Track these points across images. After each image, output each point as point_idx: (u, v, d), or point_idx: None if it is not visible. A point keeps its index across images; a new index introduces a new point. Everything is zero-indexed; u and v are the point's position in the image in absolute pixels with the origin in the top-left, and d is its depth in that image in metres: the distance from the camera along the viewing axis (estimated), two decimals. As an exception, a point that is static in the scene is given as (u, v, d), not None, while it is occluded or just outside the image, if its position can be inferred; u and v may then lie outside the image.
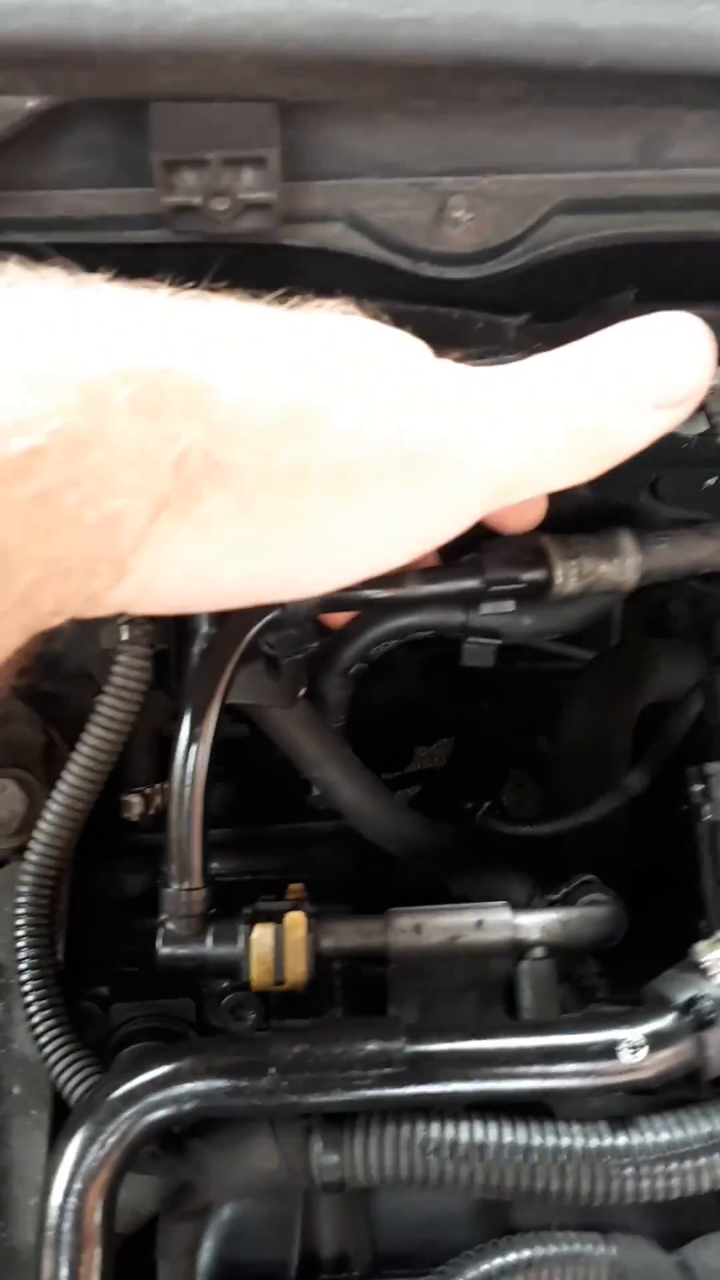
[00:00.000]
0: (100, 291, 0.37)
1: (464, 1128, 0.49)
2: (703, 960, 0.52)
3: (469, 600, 0.65)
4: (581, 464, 0.45)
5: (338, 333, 0.42)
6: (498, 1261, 0.49)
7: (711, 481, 1.27)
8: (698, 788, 0.63)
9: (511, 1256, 0.49)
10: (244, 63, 0.41)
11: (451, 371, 0.44)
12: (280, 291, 0.43)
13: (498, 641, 0.68)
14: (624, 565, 0.64)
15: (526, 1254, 0.49)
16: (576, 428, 0.44)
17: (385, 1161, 0.49)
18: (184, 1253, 0.56)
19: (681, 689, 0.78)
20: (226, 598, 0.41)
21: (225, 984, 0.64)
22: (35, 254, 0.43)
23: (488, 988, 0.59)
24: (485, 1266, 0.49)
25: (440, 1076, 0.49)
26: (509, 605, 0.66)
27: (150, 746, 0.73)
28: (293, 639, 0.58)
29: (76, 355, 0.33)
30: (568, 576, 0.63)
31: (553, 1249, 0.49)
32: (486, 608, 0.66)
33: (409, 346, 0.43)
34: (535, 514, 0.61)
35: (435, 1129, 0.49)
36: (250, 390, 0.37)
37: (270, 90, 0.44)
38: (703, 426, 1.07)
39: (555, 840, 0.72)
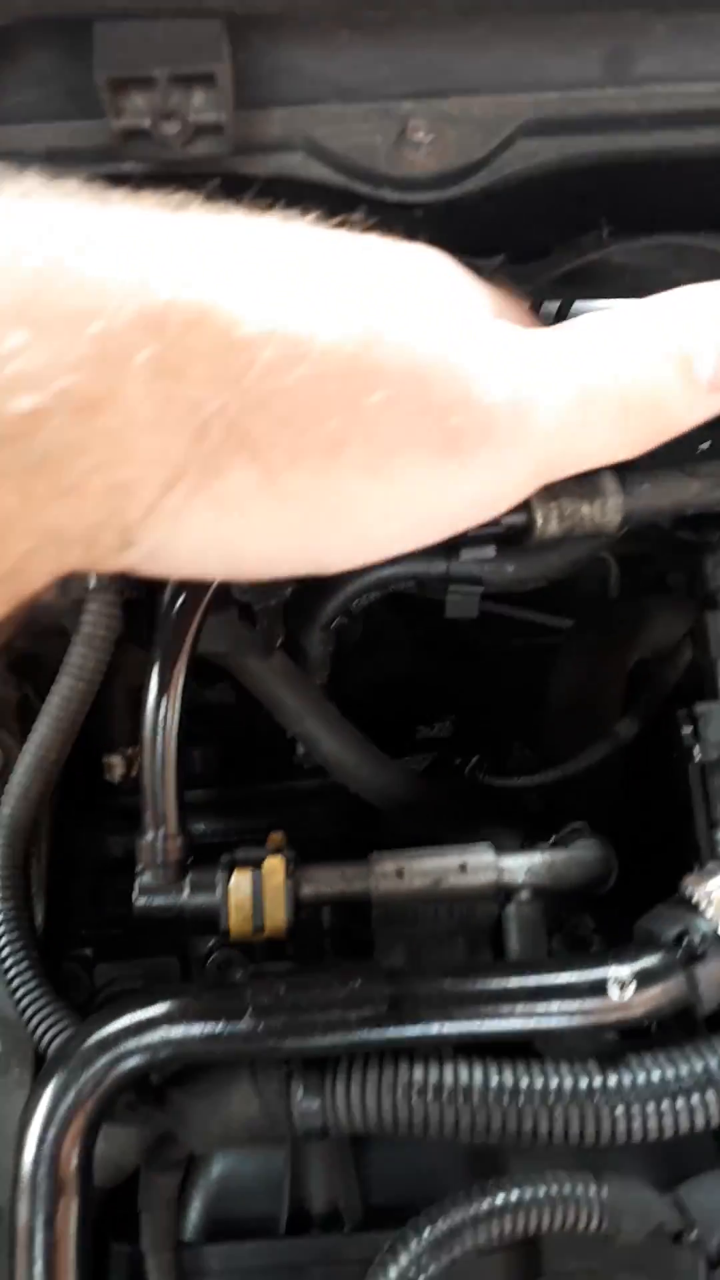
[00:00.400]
0: (121, 212, 0.32)
1: (449, 1069, 0.48)
2: (692, 895, 0.51)
3: (449, 548, 0.64)
4: (631, 441, 0.42)
5: (388, 265, 0.38)
6: (486, 1204, 0.48)
7: (705, 446, 1.26)
8: (687, 729, 0.61)
9: (500, 1199, 0.48)
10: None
11: (507, 329, 0.40)
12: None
13: (480, 589, 0.67)
14: (605, 506, 0.63)
15: (516, 1196, 0.48)
16: (631, 400, 0.41)
17: (368, 1106, 0.48)
18: (166, 1204, 0.55)
19: (674, 642, 0.77)
20: (243, 571, 0.38)
21: (210, 941, 0.64)
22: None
23: (474, 932, 0.58)
24: (474, 1209, 0.48)
25: (423, 1017, 0.48)
26: (489, 550, 0.64)
27: (131, 707, 0.72)
28: (266, 586, 0.57)
29: (93, 296, 0.29)
30: (548, 518, 0.62)
31: (543, 1190, 0.48)
32: (467, 553, 0.64)
33: (465, 287, 0.41)
34: None
35: (419, 1071, 0.48)
36: (289, 348, 0.32)
37: (216, 2, 0.43)
38: None
39: (548, 794, 0.71)
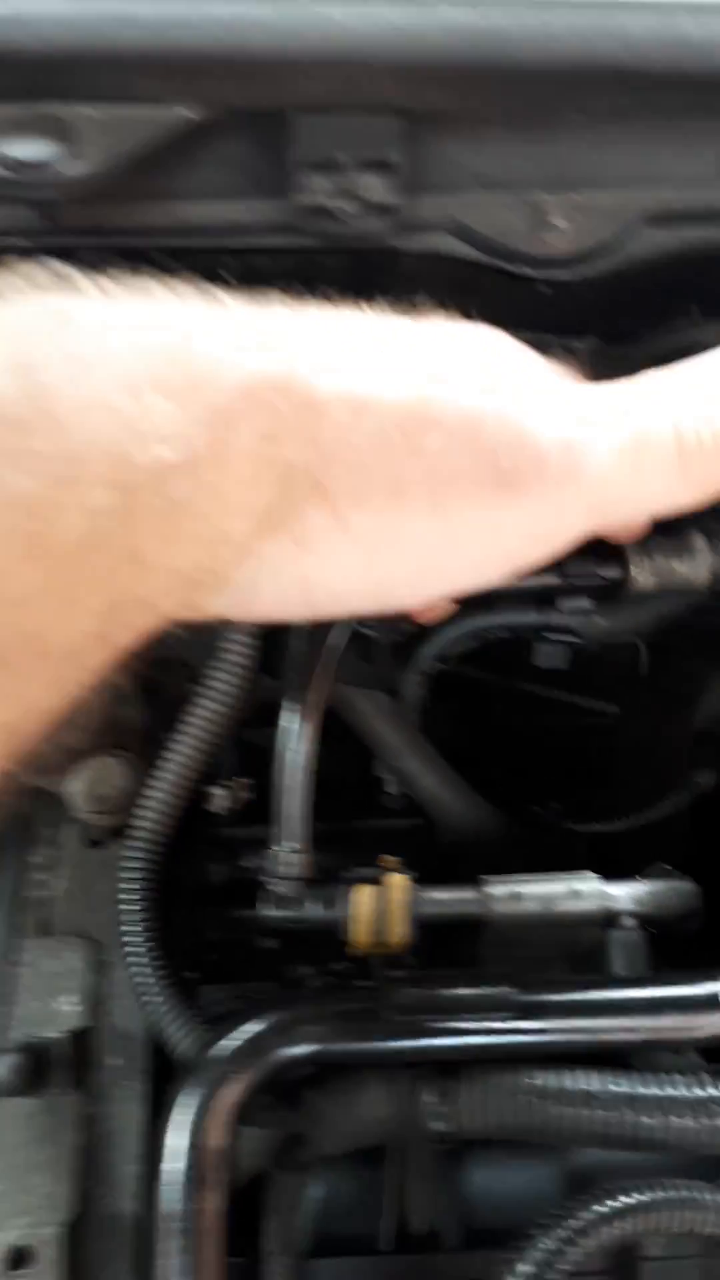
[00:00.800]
0: (224, 304, 0.38)
1: (573, 1075, 0.51)
2: None
3: (547, 598, 0.68)
4: (692, 487, 0.44)
5: (451, 340, 0.42)
6: (613, 1204, 0.50)
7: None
8: None
9: (630, 1199, 0.50)
10: (383, 72, 0.46)
11: (563, 384, 0.44)
12: (391, 299, 0.45)
13: (572, 639, 0.71)
14: (696, 562, 0.67)
15: (644, 1197, 0.50)
16: (691, 449, 0.43)
17: (493, 1109, 0.51)
18: (294, 1207, 0.57)
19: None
20: (317, 608, 0.42)
21: (310, 970, 0.67)
22: (159, 264, 0.47)
23: (578, 957, 0.61)
24: (600, 1208, 0.50)
25: (553, 1023, 0.52)
26: (585, 603, 0.68)
27: (233, 743, 0.76)
28: (388, 622, 0.62)
29: (207, 372, 0.35)
30: (642, 572, 0.66)
31: (669, 1194, 0.51)
32: (565, 604, 0.68)
33: (523, 357, 0.44)
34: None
35: (544, 1077, 0.51)
36: (357, 407, 0.38)
37: (403, 100, 0.48)
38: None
39: (620, 841, 0.75)
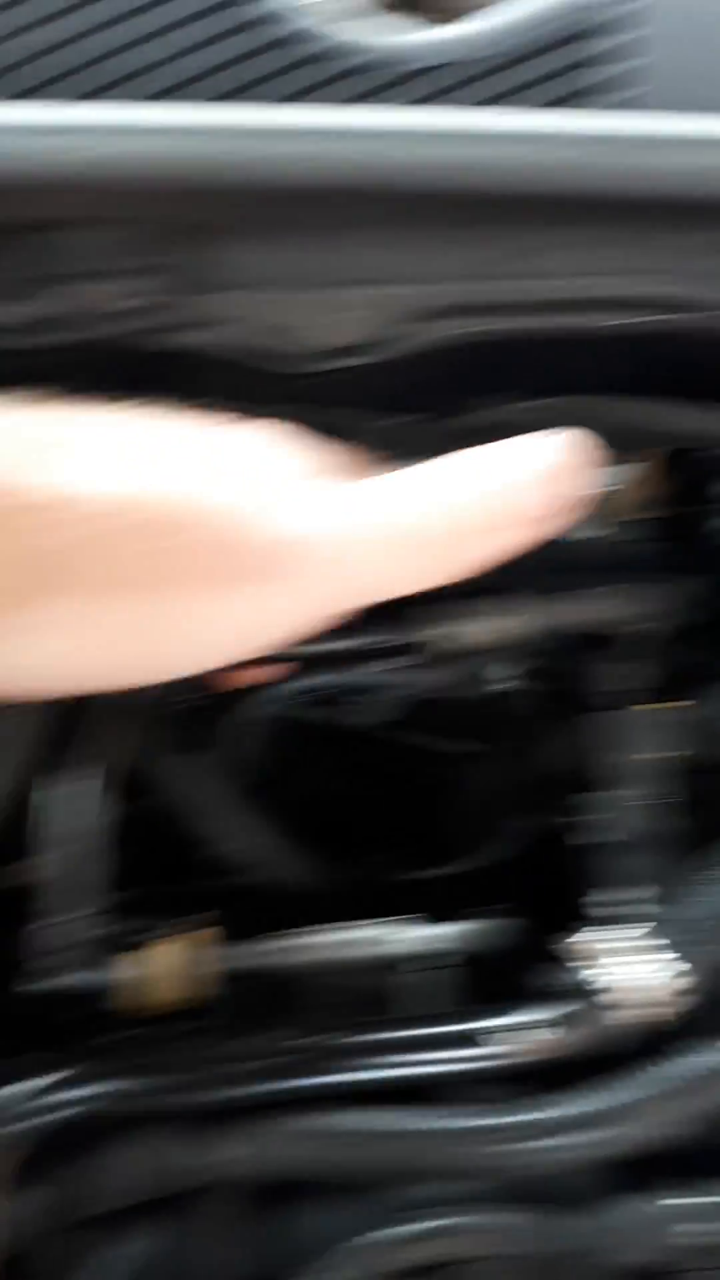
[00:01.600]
0: None
1: (337, 1116, 0.54)
2: (567, 952, 0.58)
3: (359, 658, 0.71)
4: (432, 571, 0.48)
5: (193, 437, 0.45)
6: (413, 1228, 0.53)
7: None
8: (582, 817, 0.69)
9: (431, 1224, 0.53)
10: (159, 189, 0.49)
11: (308, 480, 0.47)
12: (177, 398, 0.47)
13: (398, 698, 0.74)
14: (485, 626, 0.71)
15: (446, 1222, 0.53)
16: (431, 540, 0.47)
17: (258, 1154, 0.53)
18: (67, 1268, 0.58)
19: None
20: (57, 688, 0.45)
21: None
22: None
23: (380, 1000, 0.63)
24: (393, 1235, 0.52)
25: (316, 1067, 0.54)
26: (395, 662, 0.72)
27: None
28: (183, 686, 0.64)
29: None
30: (436, 636, 0.70)
31: (471, 1219, 0.53)
32: (375, 665, 0.72)
33: (272, 453, 0.47)
34: None
35: (332, 1118, 0.54)
36: (90, 508, 0.40)
37: (178, 210, 0.51)
38: (603, 530, 1.16)
39: (453, 885, 0.78)
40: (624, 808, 0.67)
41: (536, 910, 0.68)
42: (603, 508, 1.03)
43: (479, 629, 0.68)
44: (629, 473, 1.04)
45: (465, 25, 0.56)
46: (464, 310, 0.59)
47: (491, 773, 0.88)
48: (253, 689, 0.74)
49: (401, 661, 0.73)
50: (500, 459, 0.51)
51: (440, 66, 0.56)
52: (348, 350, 0.60)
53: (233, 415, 0.48)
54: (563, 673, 0.85)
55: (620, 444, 0.92)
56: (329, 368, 0.60)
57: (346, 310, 0.58)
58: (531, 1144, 0.53)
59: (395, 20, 0.60)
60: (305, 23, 0.55)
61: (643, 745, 0.69)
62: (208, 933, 0.61)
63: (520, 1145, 0.53)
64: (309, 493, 0.46)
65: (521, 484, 0.50)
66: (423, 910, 0.72)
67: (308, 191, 0.51)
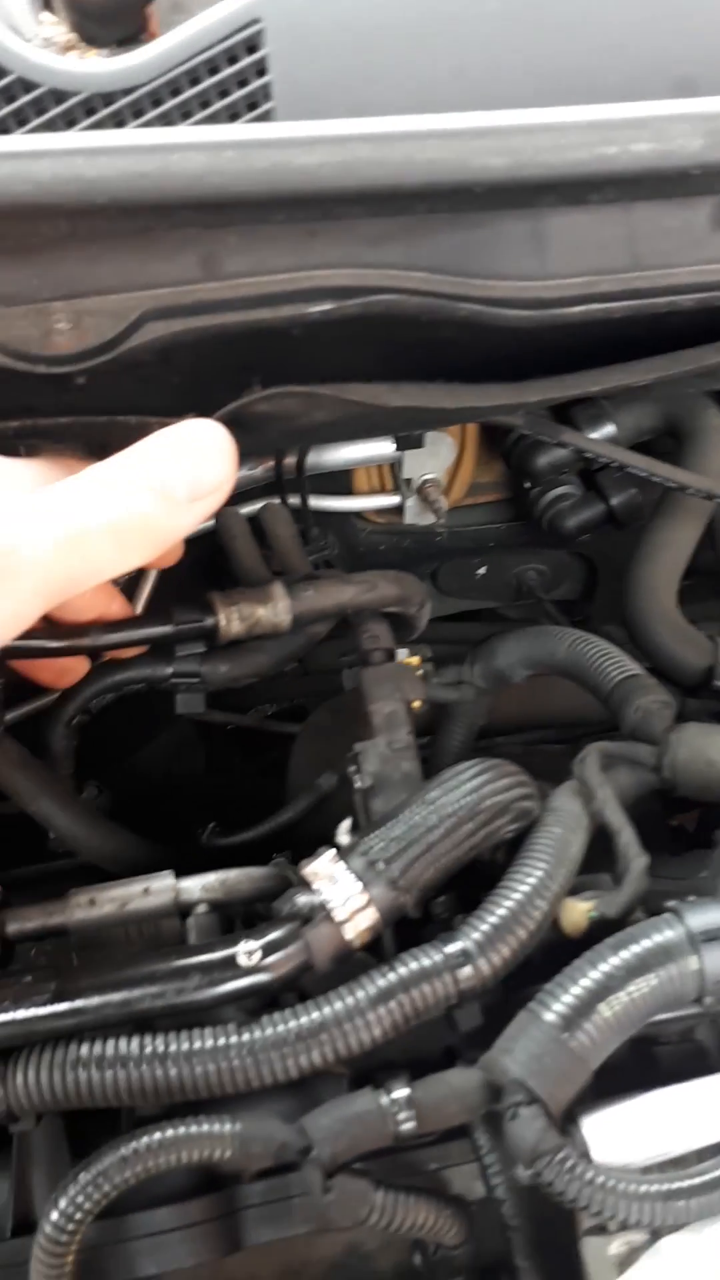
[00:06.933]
0: None
1: (107, 1043, 0.58)
2: (303, 874, 0.64)
3: (167, 648, 0.77)
4: (129, 554, 0.55)
5: None
6: (133, 1145, 0.57)
7: (482, 570, 1.44)
8: (352, 769, 0.74)
9: (143, 1141, 0.58)
10: None
11: (2, 490, 0.54)
12: None
13: (202, 685, 0.80)
14: (277, 608, 0.77)
15: (157, 1137, 0.57)
16: (120, 526, 0.54)
17: (40, 1083, 0.58)
18: None
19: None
20: None
21: None
22: None
23: (162, 947, 0.68)
24: (119, 1153, 0.57)
25: (82, 1001, 0.59)
26: (199, 647, 0.78)
27: None
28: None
29: None
30: (230, 619, 0.76)
31: (180, 1130, 0.58)
32: (181, 650, 0.77)
33: None
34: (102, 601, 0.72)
35: (81, 1048, 0.59)
36: None
37: None
38: (432, 518, 1.23)
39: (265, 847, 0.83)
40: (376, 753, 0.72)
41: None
42: (429, 496, 1.10)
43: (269, 610, 0.74)
44: (444, 462, 1.10)
45: (129, 55, 0.63)
46: (164, 313, 0.66)
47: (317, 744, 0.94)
48: (68, 689, 0.80)
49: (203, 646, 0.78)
50: (166, 443, 0.58)
51: (114, 93, 0.63)
52: (77, 357, 0.67)
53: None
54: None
55: (388, 428, 0.99)
56: (68, 370, 0.67)
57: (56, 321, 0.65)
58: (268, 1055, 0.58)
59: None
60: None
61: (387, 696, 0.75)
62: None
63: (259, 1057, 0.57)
64: (17, 505, 0.53)
65: (191, 459, 0.58)
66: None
67: (8, 212, 0.59)
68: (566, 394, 0.71)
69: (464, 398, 0.71)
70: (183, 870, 0.77)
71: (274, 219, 0.62)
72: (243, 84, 0.61)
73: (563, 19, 0.58)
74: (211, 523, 0.91)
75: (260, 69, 0.60)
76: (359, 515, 1.17)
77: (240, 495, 1.06)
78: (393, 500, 1.14)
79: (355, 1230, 0.66)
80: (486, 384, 0.73)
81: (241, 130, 0.58)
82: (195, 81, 0.62)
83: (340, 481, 1.15)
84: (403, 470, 1.09)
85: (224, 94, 0.62)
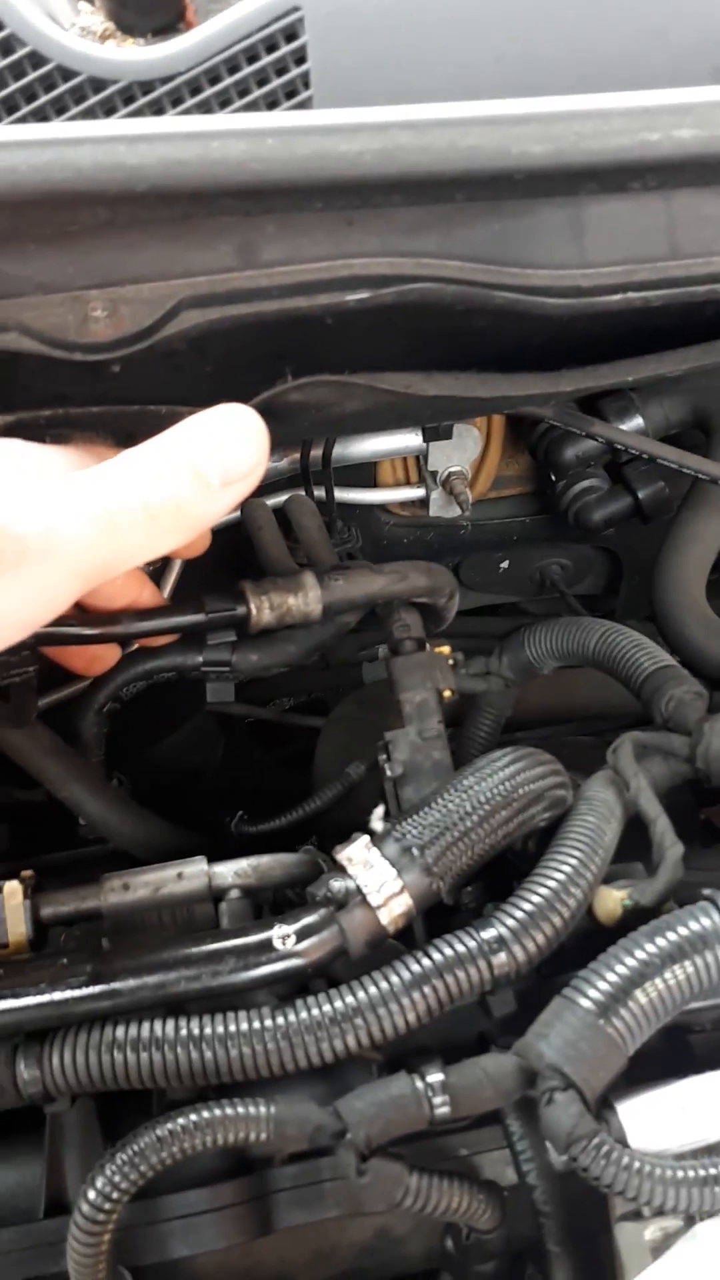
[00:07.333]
0: None
1: (144, 1025, 0.59)
2: (338, 859, 0.64)
3: (197, 637, 0.78)
4: (163, 538, 0.55)
5: None
6: (166, 1128, 0.58)
7: (505, 564, 1.44)
8: (382, 757, 0.75)
9: (179, 1122, 0.58)
10: None
11: (42, 479, 0.53)
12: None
13: (233, 674, 0.80)
14: (308, 598, 0.77)
15: (193, 1118, 0.58)
16: (154, 509, 0.54)
17: (79, 1064, 0.58)
18: None
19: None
20: None
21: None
22: None
23: (195, 931, 0.69)
24: (155, 1134, 0.57)
25: (120, 984, 0.59)
26: (230, 636, 0.78)
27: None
28: (8, 664, 0.71)
29: None
30: (260, 609, 0.76)
31: (217, 1112, 0.58)
32: (213, 639, 0.78)
33: (11, 462, 0.53)
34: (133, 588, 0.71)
35: (118, 1030, 0.59)
36: None
37: None
38: (457, 511, 1.23)
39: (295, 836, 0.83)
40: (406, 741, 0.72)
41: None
42: (454, 489, 1.10)
43: (300, 600, 0.74)
44: (470, 454, 1.10)
45: (168, 44, 0.63)
46: (200, 301, 0.66)
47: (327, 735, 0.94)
48: (99, 677, 0.80)
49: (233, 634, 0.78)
50: (199, 429, 0.58)
51: (152, 81, 0.63)
52: (113, 345, 0.67)
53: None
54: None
55: (419, 418, 0.99)
56: (105, 358, 0.67)
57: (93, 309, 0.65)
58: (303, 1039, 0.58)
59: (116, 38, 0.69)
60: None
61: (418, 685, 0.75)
62: (23, 882, 0.66)
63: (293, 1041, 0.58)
64: (56, 488, 0.53)
65: (224, 444, 0.58)
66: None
67: (48, 200, 0.59)
68: (601, 383, 0.71)
69: (498, 387, 0.72)
70: (211, 858, 0.77)
71: (312, 206, 0.62)
72: (281, 72, 0.61)
73: (604, 4, 0.58)
74: (236, 514, 0.92)
75: (299, 57, 0.60)
76: (383, 508, 1.18)
77: (264, 488, 1.06)
78: (418, 493, 1.14)
79: (386, 1214, 0.66)
80: (520, 374, 0.73)
81: (282, 117, 0.58)
82: (234, 70, 0.62)
83: (364, 474, 1.15)
84: (428, 462, 1.09)
85: (262, 82, 0.62)
